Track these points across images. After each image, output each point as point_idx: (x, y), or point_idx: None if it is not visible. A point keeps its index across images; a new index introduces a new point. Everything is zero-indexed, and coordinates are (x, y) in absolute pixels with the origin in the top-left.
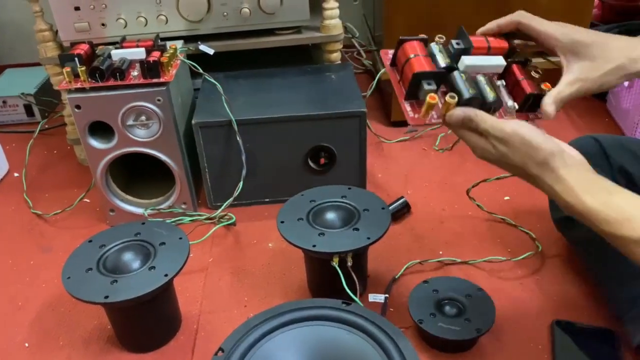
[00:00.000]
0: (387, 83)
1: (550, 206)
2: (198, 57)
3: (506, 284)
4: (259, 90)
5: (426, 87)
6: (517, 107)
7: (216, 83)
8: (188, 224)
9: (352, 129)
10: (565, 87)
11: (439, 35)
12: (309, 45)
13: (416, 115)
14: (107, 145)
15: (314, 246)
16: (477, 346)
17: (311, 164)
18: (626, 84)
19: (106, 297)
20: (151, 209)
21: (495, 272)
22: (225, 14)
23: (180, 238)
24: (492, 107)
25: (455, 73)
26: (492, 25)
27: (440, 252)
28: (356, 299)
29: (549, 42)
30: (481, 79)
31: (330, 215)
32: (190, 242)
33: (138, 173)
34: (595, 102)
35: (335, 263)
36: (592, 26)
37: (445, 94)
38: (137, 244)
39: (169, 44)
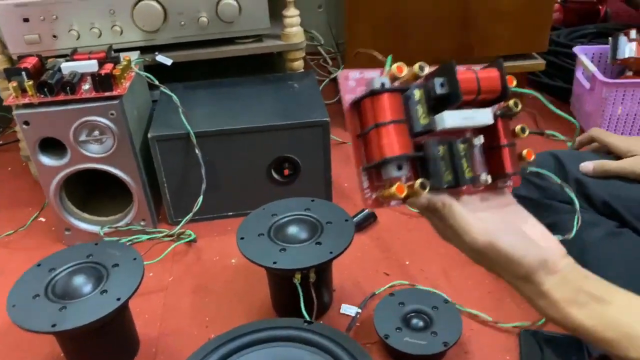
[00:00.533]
0: None
1: None
2: (156, 68)
3: (473, 294)
4: (218, 100)
5: (394, 173)
6: (489, 182)
7: (172, 94)
8: (146, 242)
9: (316, 139)
10: (609, 164)
11: (421, 64)
12: (271, 53)
13: (373, 196)
14: (60, 162)
15: (274, 263)
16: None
17: (275, 175)
18: (587, 86)
19: (54, 325)
20: (108, 227)
21: (462, 282)
22: (182, 23)
23: (135, 258)
24: (467, 184)
25: (433, 152)
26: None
27: (407, 262)
28: (308, 318)
29: (616, 151)
30: (459, 149)
31: (293, 230)
32: (148, 262)
33: (96, 189)
34: (559, 105)
35: (297, 280)
36: (554, 29)
37: (413, 165)
38: (89, 266)
39: (123, 55)
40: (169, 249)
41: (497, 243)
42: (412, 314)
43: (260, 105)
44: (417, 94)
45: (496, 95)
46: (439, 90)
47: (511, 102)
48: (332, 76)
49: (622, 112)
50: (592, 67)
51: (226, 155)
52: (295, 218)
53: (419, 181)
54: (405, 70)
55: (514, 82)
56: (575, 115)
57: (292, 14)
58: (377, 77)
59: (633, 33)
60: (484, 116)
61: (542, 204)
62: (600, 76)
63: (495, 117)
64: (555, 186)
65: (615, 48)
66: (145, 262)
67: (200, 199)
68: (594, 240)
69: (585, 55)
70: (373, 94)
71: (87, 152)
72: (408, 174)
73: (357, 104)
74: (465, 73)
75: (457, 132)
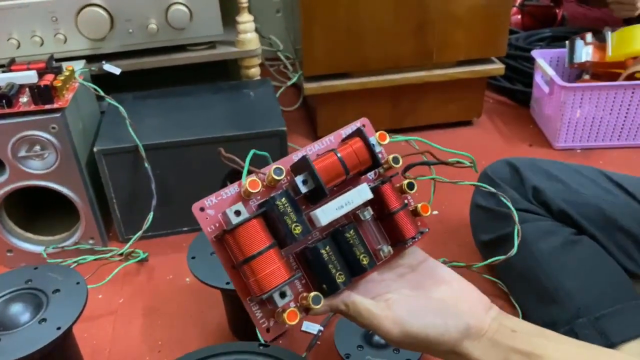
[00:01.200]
0: (314, 98)
1: (473, 231)
2: (104, 77)
3: None
4: (170, 111)
5: (280, 302)
6: (392, 252)
7: (119, 105)
8: (94, 263)
9: (273, 149)
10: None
11: (276, 170)
12: (225, 61)
13: (271, 323)
14: None
15: (227, 283)
16: None
17: None
18: (546, 90)
19: None
20: (53, 247)
21: None
22: (130, 30)
23: (78, 283)
24: (365, 271)
25: (317, 257)
26: None
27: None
28: (261, 340)
29: None
30: (347, 237)
31: None
32: (96, 284)
33: (41, 207)
34: (520, 109)
35: None
36: (512, 33)
37: (305, 269)
38: (27, 293)
39: (66, 65)
40: (117, 269)
41: (410, 330)
42: None
43: (214, 115)
44: (280, 205)
45: (369, 164)
46: (303, 189)
47: (390, 159)
48: (290, 82)
49: (581, 115)
50: (551, 71)
51: (178, 168)
52: None
53: (311, 296)
54: (259, 186)
55: (387, 138)
56: (536, 120)
57: (245, 20)
58: (230, 208)
59: (589, 37)
60: (361, 194)
61: (499, 213)
62: (558, 80)
63: (376, 187)
64: (512, 194)
65: (572, 52)
66: (93, 286)
67: (151, 215)
68: (551, 250)
69: (543, 59)
70: (231, 229)
71: (27, 169)
72: (300, 289)
73: (219, 239)
74: (325, 159)
75: (339, 220)
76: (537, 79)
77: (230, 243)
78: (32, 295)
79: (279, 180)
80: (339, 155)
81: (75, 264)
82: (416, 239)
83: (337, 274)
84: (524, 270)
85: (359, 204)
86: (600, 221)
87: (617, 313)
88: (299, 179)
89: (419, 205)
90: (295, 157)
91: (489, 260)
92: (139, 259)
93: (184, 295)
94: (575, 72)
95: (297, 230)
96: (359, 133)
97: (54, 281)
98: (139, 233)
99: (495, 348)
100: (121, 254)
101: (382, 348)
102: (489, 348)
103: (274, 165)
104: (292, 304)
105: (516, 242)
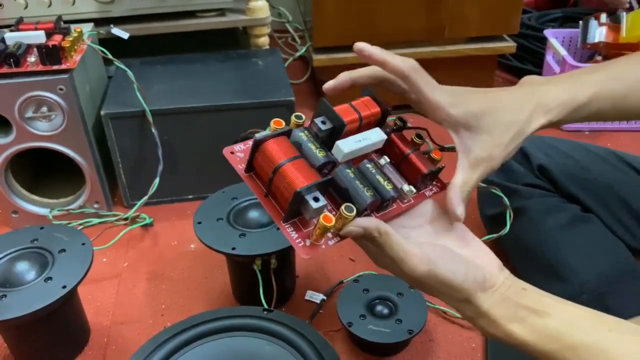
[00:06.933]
0: (322, 70)
1: (479, 205)
2: (112, 42)
3: None
4: (178, 77)
5: (314, 204)
6: (414, 191)
7: (127, 70)
8: (99, 226)
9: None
10: (469, 173)
11: (297, 115)
12: (235, 29)
13: (307, 242)
14: (4, 140)
15: (233, 249)
16: (410, 347)
17: None
18: (557, 69)
19: None
20: (59, 210)
21: None
22: None
23: (84, 243)
24: (390, 201)
25: (343, 174)
26: (344, 77)
27: None
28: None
29: (436, 115)
30: (369, 167)
31: (253, 214)
32: (101, 247)
33: (47, 169)
34: None
35: (257, 266)
36: (525, 12)
37: (333, 201)
38: (33, 252)
39: (74, 26)
40: (122, 233)
41: (437, 271)
42: (377, 301)
43: (222, 83)
44: (303, 135)
45: (378, 117)
46: (323, 128)
47: (397, 120)
48: (298, 54)
49: None
50: (563, 51)
51: (185, 135)
52: (256, 202)
53: (343, 206)
54: (283, 124)
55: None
56: None
57: None
58: (259, 133)
59: (603, 17)
60: (376, 134)
61: (508, 188)
62: (570, 60)
63: (388, 133)
64: (518, 169)
65: (585, 32)
66: (97, 247)
67: (157, 180)
68: (557, 227)
69: (555, 38)
70: (258, 145)
71: (34, 130)
72: (329, 207)
73: (250, 166)
74: (340, 107)
75: (359, 160)
76: (549, 58)
77: (260, 161)
78: (38, 254)
79: (300, 125)
80: (351, 104)
81: (81, 226)
82: (434, 189)
83: (365, 189)
84: (530, 245)
85: (374, 140)
86: (607, 198)
87: (620, 290)
88: (318, 120)
89: (431, 151)
90: None
91: (484, 238)
92: (144, 223)
93: (188, 261)
94: (588, 53)
95: (321, 154)
96: (367, 92)
97: (60, 241)
98: (145, 198)
99: (505, 302)
100: (126, 219)
101: (384, 318)
102: (499, 302)
103: (294, 114)
104: (325, 211)
105: (508, 223)
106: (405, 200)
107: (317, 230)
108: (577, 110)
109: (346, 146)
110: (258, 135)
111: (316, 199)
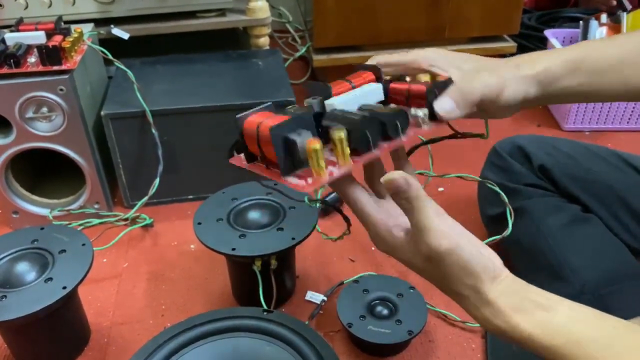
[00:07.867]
0: (322, 70)
1: (480, 205)
2: (113, 42)
3: None
4: (178, 77)
5: (298, 138)
6: (428, 113)
7: (127, 70)
8: (99, 226)
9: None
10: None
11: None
12: (235, 29)
13: (309, 180)
14: (4, 141)
15: (233, 250)
16: (409, 348)
17: None
18: None
19: None
20: (59, 210)
21: None
22: None
23: (84, 244)
24: (397, 128)
25: (334, 113)
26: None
27: (373, 248)
28: (265, 306)
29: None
30: (364, 103)
31: (253, 215)
32: (101, 247)
33: (47, 170)
34: None
35: (257, 267)
36: (525, 12)
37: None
38: (33, 252)
39: (74, 27)
40: (123, 233)
41: (459, 251)
42: (377, 302)
43: (222, 83)
44: (291, 108)
45: (373, 79)
46: (313, 101)
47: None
48: (298, 54)
49: None
50: None
51: (185, 135)
52: (257, 202)
53: (333, 130)
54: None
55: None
56: None
57: None
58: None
59: (604, 18)
60: (370, 85)
61: (509, 188)
62: None
63: (387, 82)
64: (519, 169)
65: (586, 32)
66: (98, 248)
67: (157, 181)
68: (558, 227)
69: (555, 38)
70: (241, 122)
71: (34, 130)
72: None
73: (248, 155)
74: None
75: None
76: None
77: (246, 135)
78: (38, 255)
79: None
80: (345, 78)
81: (81, 227)
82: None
83: (361, 115)
84: (531, 245)
85: (369, 90)
86: (608, 198)
87: (621, 291)
88: (308, 99)
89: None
90: None
91: (487, 240)
92: (144, 223)
93: (188, 262)
94: None
95: (318, 106)
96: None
97: (60, 242)
98: (145, 198)
99: (511, 293)
100: (126, 219)
101: (384, 319)
102: (506, 292)
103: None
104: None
105: (510, 224)
106: (424, 125)
107: (312, 161)
108: (556, 79)
109: (338, 101)
110: (238, 115)
111: (298, 133)
